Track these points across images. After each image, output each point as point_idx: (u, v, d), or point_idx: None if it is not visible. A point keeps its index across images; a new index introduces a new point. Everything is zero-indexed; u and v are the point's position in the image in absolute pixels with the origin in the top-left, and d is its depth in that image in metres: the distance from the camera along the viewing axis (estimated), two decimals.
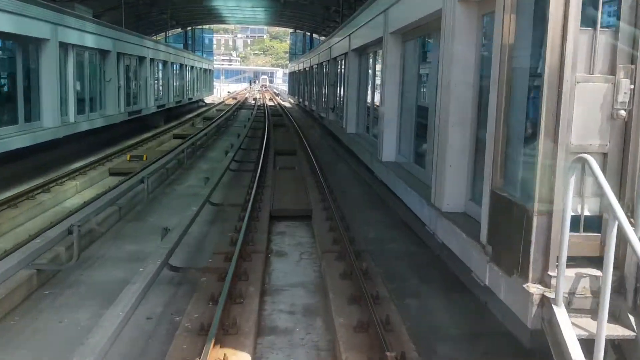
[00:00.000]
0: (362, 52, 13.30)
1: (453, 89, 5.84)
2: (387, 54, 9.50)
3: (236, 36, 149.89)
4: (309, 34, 51.89)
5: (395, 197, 8.72)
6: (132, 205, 9.79)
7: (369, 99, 12.80)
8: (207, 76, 45.84)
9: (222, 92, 71.70)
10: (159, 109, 24.82)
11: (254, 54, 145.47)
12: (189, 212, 7.84)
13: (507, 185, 4.31)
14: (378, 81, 11.53)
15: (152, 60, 23.28)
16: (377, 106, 11.02)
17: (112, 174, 12.90)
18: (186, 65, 32.11)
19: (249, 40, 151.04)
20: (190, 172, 14.25)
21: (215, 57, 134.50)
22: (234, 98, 58.50)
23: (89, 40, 15.69)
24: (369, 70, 12.70)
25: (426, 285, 6.41)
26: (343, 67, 15.93)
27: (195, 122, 27.13)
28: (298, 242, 8.18)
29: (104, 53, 17.22)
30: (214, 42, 54.33)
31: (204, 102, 45.78)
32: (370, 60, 12.53)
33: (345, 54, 14.82)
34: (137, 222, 9.06)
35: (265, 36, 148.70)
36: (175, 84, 28.98)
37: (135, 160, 14.24)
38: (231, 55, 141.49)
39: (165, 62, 26.18)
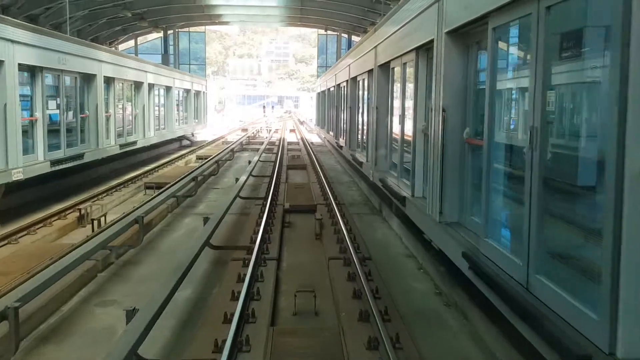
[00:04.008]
0: None
1: None
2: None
3: (260, 60, 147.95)
4: (345, 36, 35.99)
5: None
6: None
7: None
8: (196, 101, 30.22)
9: (229, 119, 56.93)
10: None
11: (279, 78, 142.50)
12: None
13: None
14: None
15: None
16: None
17: None
18: (115, 80, 16.27)
19: (273, 65, 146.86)
20: None
21: (238, 82, 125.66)
22: (244, 129, 42.98)
23: None
24: None
25: None
26: None
27: (99, 211, 11.21)
28: None
29: None
30: (206, 51, 38.77)
31: (190, 139, 30.17)
32: None
33: None
34: None
35: (290, 60, 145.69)
36: (63, 118, 13.04)
37: None
38: (255, 80, 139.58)
39: None
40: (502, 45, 4.70)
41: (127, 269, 7.91)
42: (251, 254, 7.63)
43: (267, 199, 11.75)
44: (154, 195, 11.88)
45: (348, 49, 31.19)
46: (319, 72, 39.35)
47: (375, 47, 11.42)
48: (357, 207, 12.61)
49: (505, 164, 4.80)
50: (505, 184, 4.80)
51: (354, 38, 34.62)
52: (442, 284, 7.18)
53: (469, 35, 5.92)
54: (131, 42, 36.20)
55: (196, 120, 30.35)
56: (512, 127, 5.04)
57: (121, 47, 35.31)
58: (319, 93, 31.93)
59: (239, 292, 5.98)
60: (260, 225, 9.26)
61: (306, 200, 12.29)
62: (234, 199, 11.20)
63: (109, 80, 15.79)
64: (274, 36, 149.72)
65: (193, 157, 23.05)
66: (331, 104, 23.15)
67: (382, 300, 6.03)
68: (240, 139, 31.01)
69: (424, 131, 7.66)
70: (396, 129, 9.80)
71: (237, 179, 13.49)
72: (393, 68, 10.08)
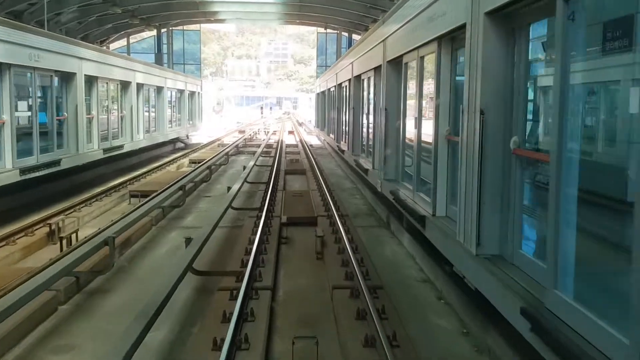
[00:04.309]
0: None
1: None
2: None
3: (259, 61, 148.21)
4: (345, 34, 34.81)
5: None
6: None
7: None
8: (191, 102, 29.02)
9: (227, 120, 55.63)
10: None
11: (278, 79, 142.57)
12: None
13: None
14: None
15: None
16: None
17: None
18: (99, 79, 15.05)
19: (272, 66, 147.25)
20: None
21: (237, 82, 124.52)
22: (241, 131, 41.81)
23: None
24: None
25: None
26: None
27: (73, 225, 10.00)
28: None
29: None
30: (201, 51, 37.59)
31: (184, 142, 28.96)
32: None
33: None
34: None
35: (289, 60, 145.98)
36: (36, 120, 11.83)
37: None
38: (254, 81, 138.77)
39: None
40: (578, 23, 3.39)
41: (94, 300, 6.69)
42: (241, 281, 6.45)
43: (263, 209, 10.57)
44: (135, 207, 10.67)
45: (348, 48, 30.06)
46: (319, 72, 38.17)
47: (384, 40, 10.28)
48: (362, 218, 11.42)
49: (587, 190, 3.52)
50: (588, 219, 3.52)
51: (355, 37, 33.44)
52: (468, 318, 5.99)
53: (518, 16, 4.74)
54: (124, 42, 34.98)
55: (190, 122, 29.15)
56: (601, 138, 3.74)
57: (113, 46, 34.09)
58: (318, 94, 30.74)
59: (223, 340, 4.79)
60: (253, 243, 8.07)
61: (306, 211, 11.08)
62: (225, 210, 9.99)
63: (91, 80, 14.56)
64: (272, 37, 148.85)
65: (186, 160, 21.84)
66: (332, 105, 21.99)
67: (402, 349, 4.83)
68: (236, 141, 29.81)
69: (448, 137, 6.60)
70: (410, 133, 8.59)
71: (229, 188, 12.27)
72: (406, 63, 8.93)
